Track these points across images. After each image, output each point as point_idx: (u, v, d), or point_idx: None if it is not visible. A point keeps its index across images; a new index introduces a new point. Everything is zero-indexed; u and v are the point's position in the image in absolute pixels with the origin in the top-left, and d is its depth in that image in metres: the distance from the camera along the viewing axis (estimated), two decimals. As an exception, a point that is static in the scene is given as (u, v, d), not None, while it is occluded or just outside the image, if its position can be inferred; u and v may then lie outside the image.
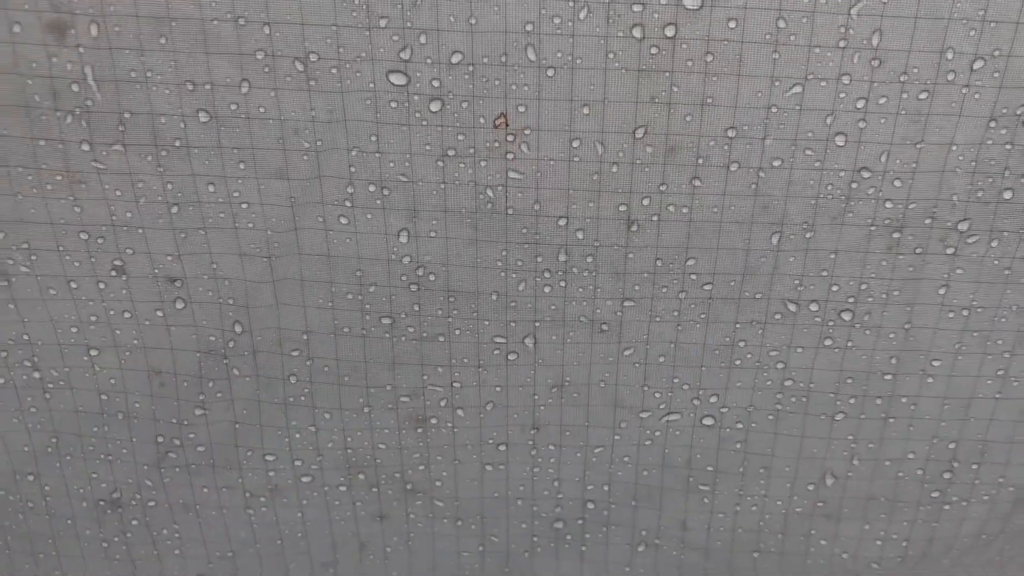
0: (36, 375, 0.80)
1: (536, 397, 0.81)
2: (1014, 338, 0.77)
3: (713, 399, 0.80)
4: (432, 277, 0.76)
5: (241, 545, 0.88)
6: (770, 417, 0.81)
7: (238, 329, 0.78)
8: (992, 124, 0.68)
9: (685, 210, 0.73)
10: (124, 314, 0.78)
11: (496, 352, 0.79)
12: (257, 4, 0.65)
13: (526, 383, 0.80)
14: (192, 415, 0.82)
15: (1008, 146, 0.69)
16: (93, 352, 0.79)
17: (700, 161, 0.71)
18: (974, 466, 0.83)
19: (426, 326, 0.78)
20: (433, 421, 0.82)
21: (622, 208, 0.73)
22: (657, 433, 0.82)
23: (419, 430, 0.82)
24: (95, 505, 0.87)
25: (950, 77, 0.67)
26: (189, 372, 0.80)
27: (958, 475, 0.84)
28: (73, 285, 0.76)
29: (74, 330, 0.78)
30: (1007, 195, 0.71)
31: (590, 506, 0.85)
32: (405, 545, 0.87)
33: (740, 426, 0.81)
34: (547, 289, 0.76)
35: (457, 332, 0.78)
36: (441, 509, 0.86)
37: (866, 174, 0.71)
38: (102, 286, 0.76)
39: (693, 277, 0.75)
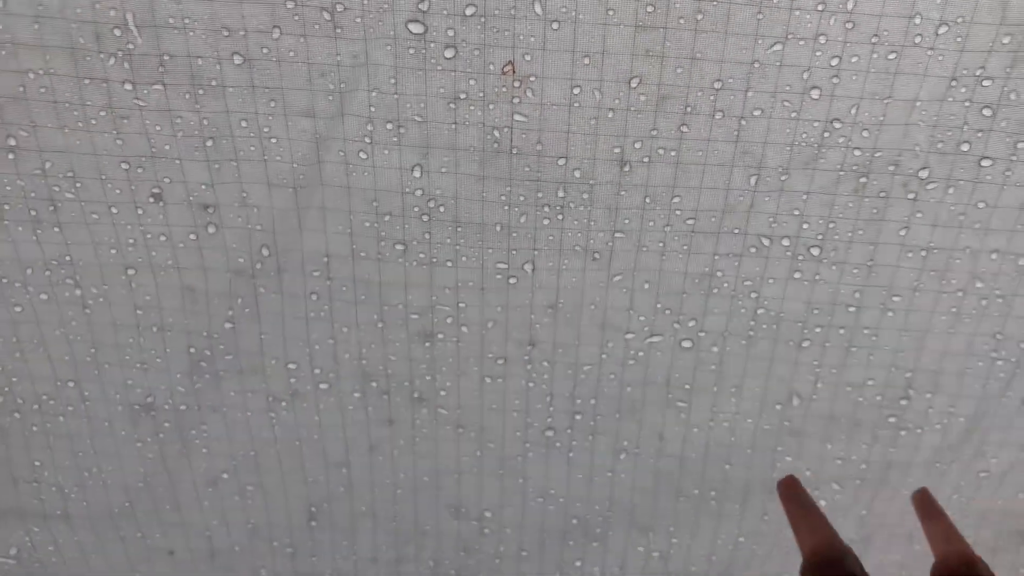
0: (77, 292, 0.88)
1: (532, 317, 0.89)
2: (966, 278, 0.86)
3: (692, 323, 0.89)
4: (442, 209, 0.83)
5: (263, 444, 0.98)
6: (743, 342, 0.90)
7: (265, 252, 0.86)
8: (953, 83, 0.76)
9: (673, 153, 0.80)
10: (160, 237, 0.85)
11: (498, 276, 0.87)
12: (289, -41, 0.71)
13: (524, 304, 0.88)
14: (222, 328, 0.90)
15: (967, 103, 0.76)
16: (131, 271, 0.87)
17: (688, 109, 0.78)
18: (928, 395, 0.92)
19: (436, 252, 0.86)
20: (440, 337, 0.90)
21: (616, 150, 0.80)
22: (640, 353, 0.90)
23: (427, 344, 0.90)
24: (130, 408, 0.95)
25: (917, 40, 0.74)
26: (219, 290, 0.88)
27: (913, 403, 0.93)
28: (114, 210, 0.83)
29: (113, 251, 0.86)
30: (964, 147, 0.78)
31: (578, 417, 0.95)
32: (411, 448, 0.97)
33: (715, 349, 0.90)
34: (546, 222, 0.84)
35: (464, 259, 0.86)
36: (445, 416, 0.95)
37: (837, 124, 0.78)
38: (140, 211, 0.84)
39: (678, 213, 0.83)
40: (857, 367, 0.91)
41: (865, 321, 0.88)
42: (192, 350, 0.92)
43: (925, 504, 0.47)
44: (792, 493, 0.44)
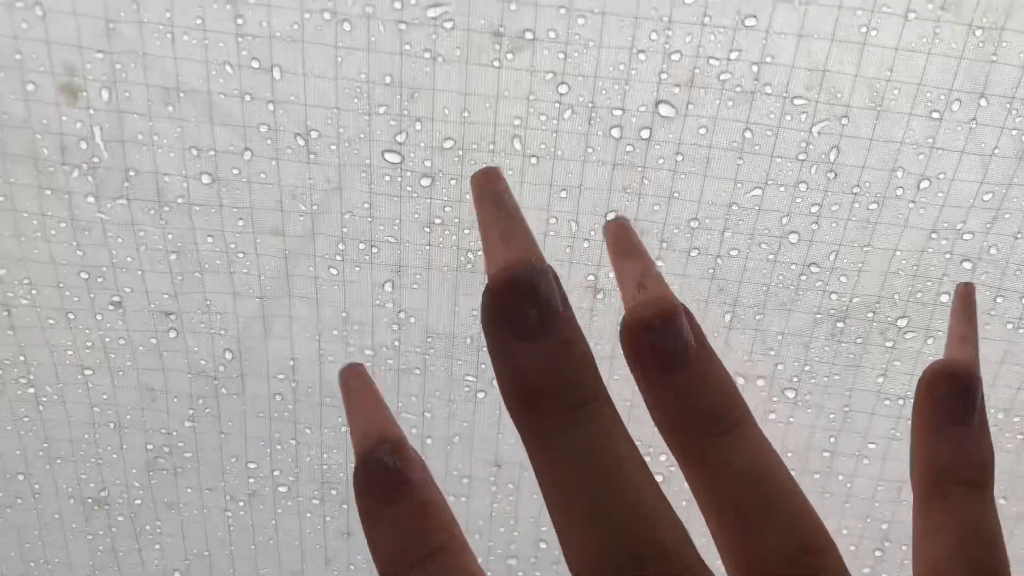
0: (31, 390, 0.86)
1: (500, 436, 0.87)
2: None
3: (663, 457, 0.87)
4: (412, 320, 0.82)
5: (217, 545, 0.95)
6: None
7: (228, 356, 0.84)
8: (933, 236, 0.75)
9: (648, 285, 0.79)
10: (119, 340, 0.83)
11: (466, 389, 0.85)
12: (263, 84, 0.69)
13: (492, 421, 0.87)
14: (181, 426, 0.88)
15: (947, 255, 0.76)
16: (87, 371, 0.85)
17: (664, 245, 0.77)
18: (903, 547, 0.91)
19: (404, 359, 0.84)
20: (404, 451, 0.88)
21: (590, 278, 0.79)
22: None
23: (390, 459, 0.88)
24: (83, 502, 0.93)
25: (899, 192, 0.73)
26: (179, 390, 0.86)
27: (888, 554, 0.92)
28: (71, 316, 0.81)
29: (70, 353, 0.83)
30: (943, 299, 0.78)
31: (542, 545, 0.93)
32: (368, 564, 0.94)
33: (685, 503, 0.89)
34: (517, 345, 0.82)
35: (432, 368, 0.84)
36: (406, 533, 0.93)
37: (815, 269, 0.77)
38: (99, 317, 0.81)
39: (651, 343, 0.82)
40: (831, 515, 0.90)
41: (840, 467, 0.87)
42: (149, 447, 0.89)
43: (620, 237, 0.32)
44: (492, 190, 0.29)
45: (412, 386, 0.86)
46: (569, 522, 0.24)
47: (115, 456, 0.90)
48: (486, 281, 0.27)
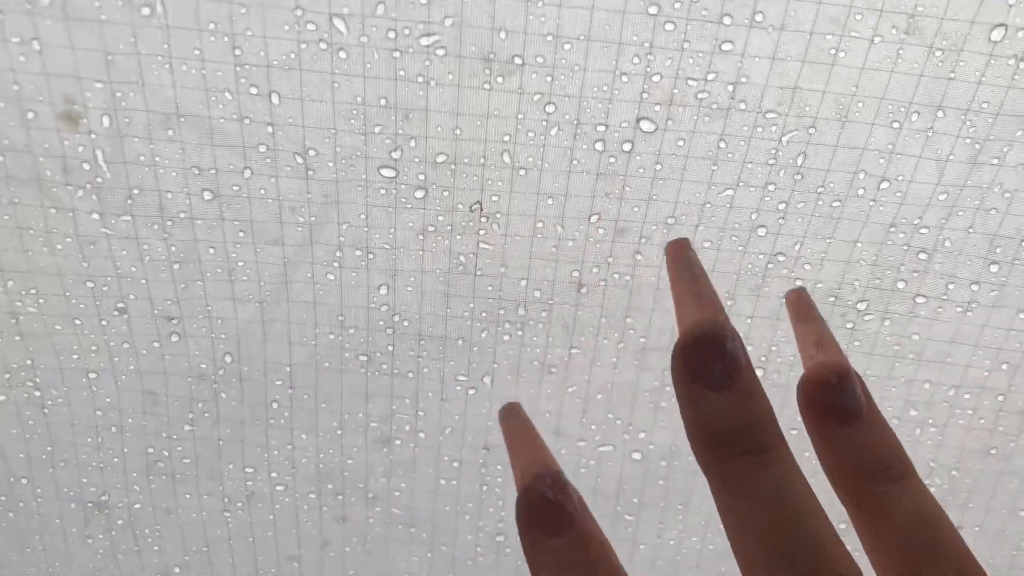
0: (37, 394, 0.89)
1: (490, 424, 0.93)
2: (901, 406, 0.92)
3: (641, 435, 0.94)
4: (406, 323, 0.86)
5: (216, 541, 1.00)
6: (688, 458, 0.95)
7: (228, 360, 0.88)
8: (892, 229, 0.81)
9: (628, 278, 0.84)
10: (124, 344, 0.86)
11: (458, 388, 0.90)
12: (262, 109, 0.72)
13: (481, 412, 0.92)
14: (181, 430, 0.92)
15: (905, 247, 0.82)
16: (92, 375, 0.88)
17: (643, 240, 0.82)
18: None
19: (398, 364, 0.88)
20: (397, 442, 0.93)
21: (575, 274, 0.84)
22: (592, 462, 0.95)
23: (384, 449, 0.94)
24: (83, 506, 0.97)
25: (860, 192, 0.78)
26: (180, 394, 0.90)
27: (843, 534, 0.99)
28: (77, 322, 0.84)
29: (75, 357, 0.86)
30: (900, 285, 0.84)
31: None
32: (363, 546, 1.00)
33: (664, 464, 0.95)
34: (506, 337, 0.87)
35: (425, 370, 0.89)
36: (397, 516, 0.99)
37: (781, 258, 0.83)
38: (104, 323, 0.84)
39: (631, 331, 0.87)
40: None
41: (807, 443, 0.93)
42: (150, 451, 0.93)
43: (800, 305, 0.36)
44: (682, 256, 0.34)
45: (406, 389, 0.91)
46: (755, 559, 0.27)
47: (116, 460, 0.94)
48: (677, 337, 0.31)
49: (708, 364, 0.29)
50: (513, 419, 0.36)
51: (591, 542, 0.29)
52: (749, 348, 0.89)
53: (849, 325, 0.87)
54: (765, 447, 0.29)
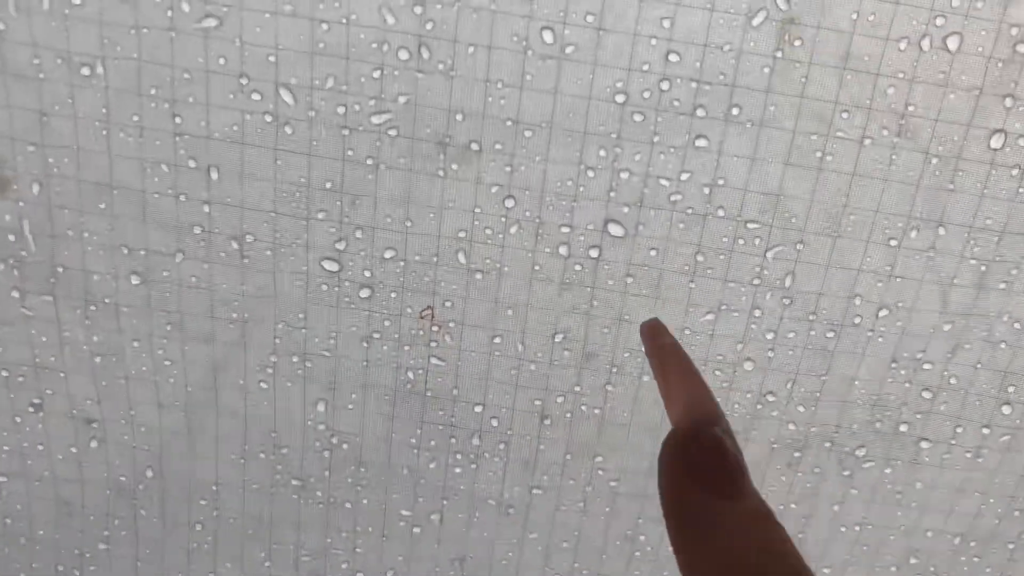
0: (-61, 497, 0.80)
1: (437, 569, 0.82)
2: (901, 554, 0.80)
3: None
4: (345, 446, 0.77)
5: None
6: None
7: (149, 474, 0.79)
8: (893, 365, 0.72)
9: (597, 411, 0.75)
10: (38, 446, 0.78)
11: (401, 524, 0.80)
12: (199, 184, 0.67)
13: (428, 556, 0.81)
14: (95, 548, 0.82)
15: (907, 384, 0.72)
16: (1, 479, 0.79)
17: (614, 370, 0.73)
18: None
19: (335, 492, 0.79)
20: (333, 583, 0.82)
21: (537, 402, 0.75)
22: (553, 619, 0.83)
23: (318, 591, 0.82)
24: (-16, 626, 0.86)
25: (856, 321, 0.70)
26: (96, 507, 0.80)
27: None
28: (-13, 418, 0.76)
29: (-17, 459, 0.78)
30: (903, 428, 0.74)
31: None
32: None
33: None
34: (458, 470, 0.78)
35: (365, 501, 0.79)
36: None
37: (771, 398, 0.74)
38: (18, 420, 0.77)
39: (600, 472, 0.77)
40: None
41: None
42: (60, 568, 0.83)
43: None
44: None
45: (343, 520, 0.81)
46: None
47: (23, 575, 0.84)
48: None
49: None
50: (665, 337, 0.30)
51: (772, 516, 0.25)
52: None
53: (847, 473, 0.76)
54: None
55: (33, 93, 0.65)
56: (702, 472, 0.25)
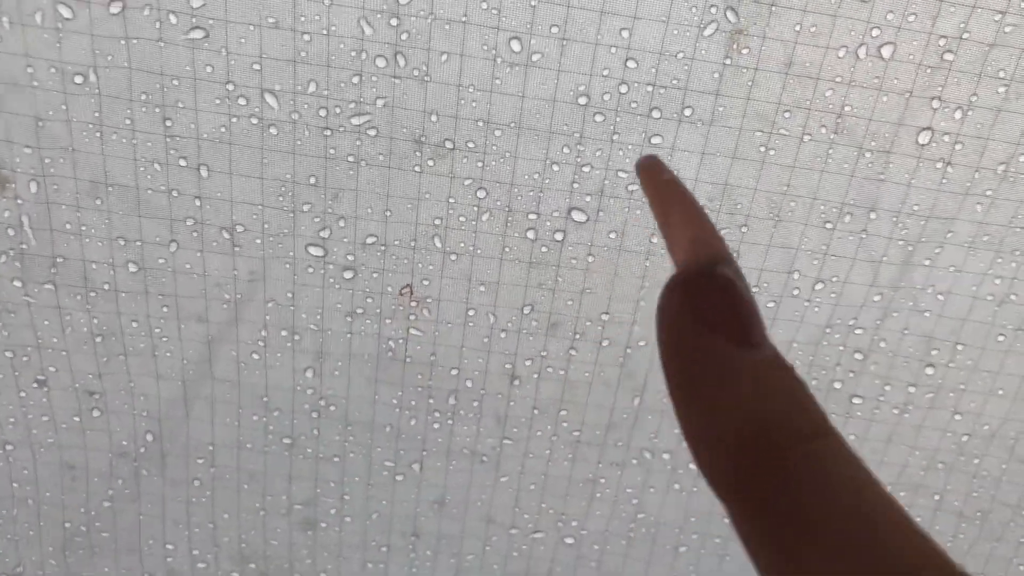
0: (-49, 463, 0.86)
1: (418, 510, 0.90)
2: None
3: (574, 523, 0.91)
4: (332, 408, 0.84)
5: (136, 615, 0.96)
6: (623, 542, 0.92)
7: (149, 437, 0.85)
8: (828, 330, 0.80)
9: (562, 372, 0.82)
10: (42, 417, 0.84)
11: (385, 473, 0.88)
12: (190, 182, 0.72)
13: (410, 499, 0.89)
14: (100, 506, 0.89)
15: (840, 348, 0.81)
16: (8, 447, 0.85)
17: (576, 336, 0.80)
18: None
19: (323, 448, 0.86)
20: (323, 525, 0.90)
21: (508, 366, 0.82)
22: (524, 547, 0.92)
23: (308, 532, 0.90)
24: (-1, 575, 0.93)
25: (795, 293, 0.78)
26: (100, 470, 0.87)
27: None
28: (-6, 392, 0.82)
29: (-8, 428, 0.84)
30: (836, 385, 0.83)
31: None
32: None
33: (596, 547, 0.92)
34: (436, 426, 0.85)
35: (351, 455, 0.86)
36: (325, 605, 0.95)
37: (719, 358, 0.81)
38: (23, 394, 0.82)
39: (565, 425, 0.85)
40: (731, 570, 0.94)
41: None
42: (67, 525, 0.90)
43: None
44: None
45: (332, 473, 0.88)
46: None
47: (32, 533, 0.91)
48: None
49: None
50: (664, 173, 0.26)
51: (791, 369, 0.22)
52: (683, 445, 0.87)
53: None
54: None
55: (28, 100, 0.69)
56: (713, 315, 0.22)
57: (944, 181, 0.71)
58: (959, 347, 0.78)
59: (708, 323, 0.22)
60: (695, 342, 0.22)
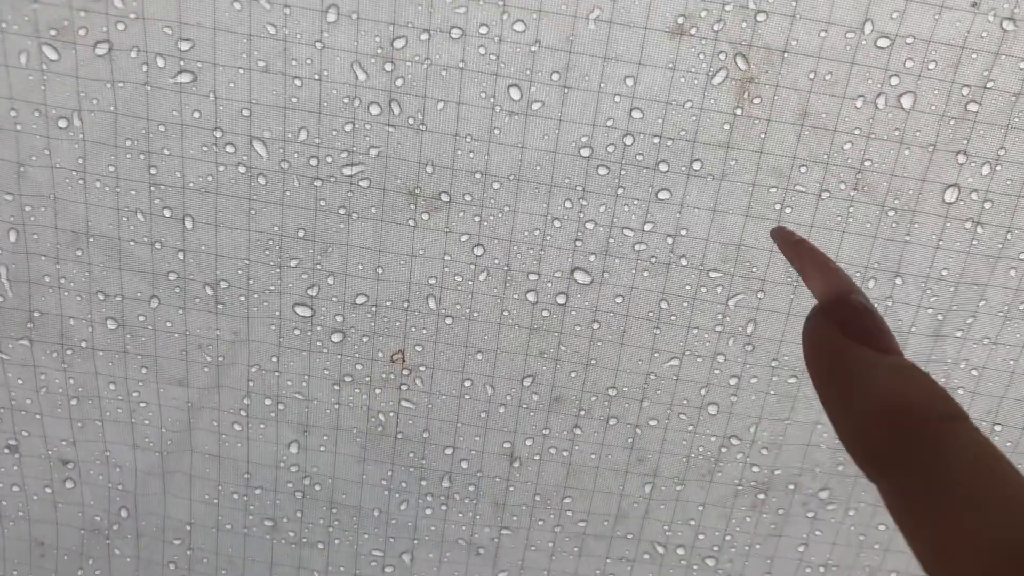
0: (-87, 537, 0.81)
1: (409, 606, 0.83)
2: (867, 595, 0.82)
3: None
4: (317, 487, 0.78)
5: None
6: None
7: (124, 514, 0.79)
8: (852, 412, 0.73)
9: (565, 453, 0.76)
10: (13, 487, 0.79)
11: (373, 564, 0.81)
12: (174, 233, 0.68)
13: (400, 592, 0.82)
14: (67, 590, 0.83)
15: (866, 433, 0.74)
16: (-25, 521, 0.80)
17: (582, 413, 0.75)
18: None
19: (307, 532, 0.80)
20: (305, 622, 0.83)
21: (506, 445, 0.76)
22: (522, 657, 0.84)
23: (290, 630, 0.83)
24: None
25: (816, 368, 0.72)
26: (71, 547, 0.81)
27: None
28: (-38, 459, 0.77)
29: (-42, 499, 0.79)
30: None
31: None
32: None
33: None
34: (428, 511, 0.79)
35: (336, 542, 0.80)
36: None
37: (735, 441, 0.75)
38: (-8, 462, 0.77)
39: (569, 514, 0.79)
40: None
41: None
42: (33, 609, 0.84)
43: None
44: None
45: (315, 561, 0.81)
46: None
47: (-4, 614, 0.85)
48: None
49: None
50: (793, 236, 0.34)
51: (917, 368, 0.27)
52: (700, 537, 0.79)
53: (810, 515, 0.78)
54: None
55: (10, 145, 0.66)
56: (858, 327, 0.28)
57: (975, 243, 0.66)
58: (996, 427, 0.71)
59: (852, 334, 0.28)
60: (842, 350, 0.28)
